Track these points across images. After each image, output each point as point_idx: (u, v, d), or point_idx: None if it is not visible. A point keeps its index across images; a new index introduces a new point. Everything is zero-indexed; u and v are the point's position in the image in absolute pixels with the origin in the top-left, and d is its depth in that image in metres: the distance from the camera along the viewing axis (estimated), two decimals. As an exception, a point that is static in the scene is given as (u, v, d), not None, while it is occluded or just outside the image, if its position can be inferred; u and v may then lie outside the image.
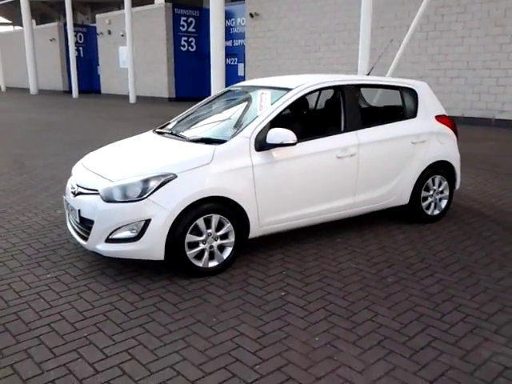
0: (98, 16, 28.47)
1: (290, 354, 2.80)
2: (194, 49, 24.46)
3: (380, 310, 3.32)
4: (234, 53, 21.83)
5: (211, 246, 3.83)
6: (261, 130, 3.97)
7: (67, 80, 31.44)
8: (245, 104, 4.74)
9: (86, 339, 2.95)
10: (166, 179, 3.63)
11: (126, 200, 3.61)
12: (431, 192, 5.09)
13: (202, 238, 3.76)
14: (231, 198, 3.80)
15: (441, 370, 2.65)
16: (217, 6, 13.50)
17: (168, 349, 2.85)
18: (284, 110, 4.20)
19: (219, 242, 3.86)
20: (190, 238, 3.70)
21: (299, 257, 4.26)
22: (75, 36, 32.29)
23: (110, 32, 26.92)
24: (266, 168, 3.99)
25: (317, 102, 4.79)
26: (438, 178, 5.09)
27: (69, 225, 4.22)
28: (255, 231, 4.07)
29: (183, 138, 4.30)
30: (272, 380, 2.57)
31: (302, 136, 4.32)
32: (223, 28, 13.77)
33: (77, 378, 2.58)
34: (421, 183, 4.95)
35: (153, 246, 3.61)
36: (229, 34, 21.82)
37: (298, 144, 4.11)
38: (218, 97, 5.18)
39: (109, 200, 3.64)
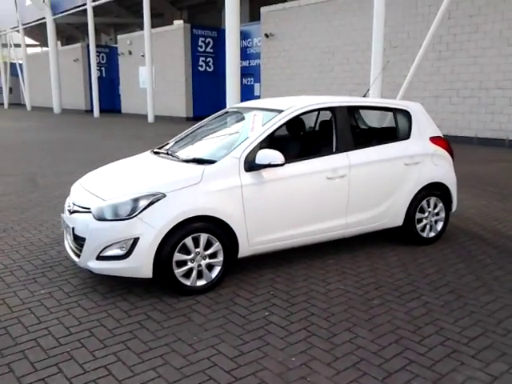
0: (119, 37, 29.25)
1: (264, 374, 2.84)
2: (211, 69, 24.88)
3: (360, 331, 3.34)
4: (251, 73, 22.13)
5: (199, 265, 3.90)
6: (250, 151, 4.07)
7: (89, 99, 32.22)
8: (239, 125, 4.86)
9: (68, 354, 3.04)
10: (154, 198, 3.74)
11: (117, 218, 3.72)
12: (426, 214, 5.09)
13: (190, 257, 3.84)
14: (219, 217, 3.89)
15: (412, 394, 2.65)
16: (232, 27, 13.89)
17: (145, 366, 2.92)
18: (275, 131, 4.30)
19: (208, 260, 3.93)
20: (178, 256, 3.78)
21: (289, 277, 4.30)
22: (98, 56, 33.20)
23: (130, 52, 27.60)
24: (255, 188, 4.07)
25: (309, 124, 4.86)
26: (433, 200, 5.10)
27: (65, 242, 4.35)
28: (245, 251, 4.13)
29: (177, 158, 4.41)
30: (242, 399, 2.61)
31: (293, 157, 4.42)
32: (238, 48, 14.10)
33: (53, 392, 2.66)
34: (415, 205, 4.96)
35: (141, 264, 3.70)
36: (245, 54, 22.20)
37: (288, 165, 4.21)
38: (215, 118, 5.30)
39: (100, 218, 3.76)
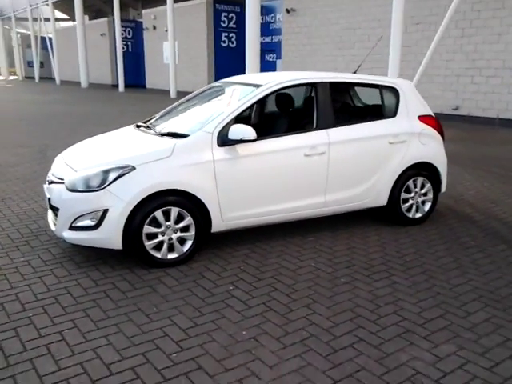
0: (144, 11, 29.26)
1: (210, 346, 2.89)
2: (234, 44, 24.68)
3: (319, 308, 3.34)
4: (273, 49, 21.84)
5: (170, 239, 3.95)
6: (224, 126, 4.05)
7: (115, 74, 32.41)
8: (219, 100, 4.83)
9: (29, 319, 3.15)
10: (124, 171, 3.79)
11: (87, 190, 3.80)
12: (412, 194, 5.00)
13: (160, 230, 3.90)
14: (189, 191, 3.92)
15: (351, 371, 2.66)
16: (252, 1, 13.72)
17: (99, 333, 3.01)
18: (250, 106, 4.28)
19: (179, 234, 3.98)
20: (147, 229, 3.84)
21: (264, 253, 4.31)
22: (124, 31, 33.26)
23: (154, 27, 27.59)
24: (228, 163, 4.07)
25: (291, 100, 4.79)
26: (420, 180, 4.99)
27: (48, 212, 4.46)
28: (218, 226, 4.16)
29: (155, 132, 4.44)
30: (182, 368, 2.67)
31: (270, 133, 4.39)
32: (258, 23, 14.07)
33: (4, 353, 2.77)
34: (400, 184, 4.87)
35: (111, 235, 3.78)
36: (268, 30, 21.90)
37: (263, 141, 4.21)
38: (200, 93, 5.28)
39: (72, 189, 3.84)
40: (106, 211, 3.75)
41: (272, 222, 4.49)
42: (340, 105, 5.12)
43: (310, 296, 3.53)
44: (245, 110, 4.23)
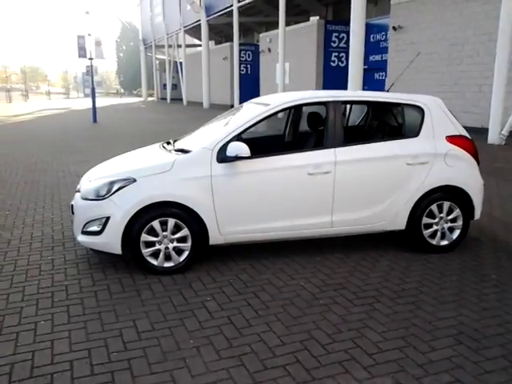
0: (261, 35, 30.45)
1: (152, 350, 3.05)
2: (343, 64, 24.55)
3: (276, 326, 3.33)
4: (382, 67, 21.36)
5: (167, 248, 4.20)
6: (224, 144, 4.22)
7: (237, 96, 34.11)
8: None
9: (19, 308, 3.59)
10: (125, 183, 4.14)
11: (95, 198, 4.21)
12: (436, 219, 4.66)
13: (157, 239, 4.16)
14: (186, 204, 4.13)
15: None
16: (357, 21, 14.05)
17: (62, 327, 3.33)
18: (253, 125, 4.37)
19: (175, 244, 4.21)
20: (145, 237, 4.13)
21: (262, 269, 4.35)
22: (244, 54, 35.04)
23: (269, 50, 28.55)
24: (226, 179, 4.22)
25: (303, 119, 4.77)
26: (446, 205, 4.64)
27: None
28: (216, 239, 4.31)
29: (169, 149, 4.73)
30: (110, 367, 2.87)
31: (274, 151, 4.46)
32: (362, 42, 14.69)
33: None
34: (422, 208, 4.58)
35: (111, 241, 4.14)
36: (378, 48, 21.51)
37: (263, 159, 4.30)
38: (229, 111, 5.48)
39: (84, 197, 4.28)
40: (108, 218, 4.12)
41: (275, 238, 4.52)
42: (354, 124, 4.98)
43: (277, 314, 3.51)
44: (247, 129, 4.35)
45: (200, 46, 51.41)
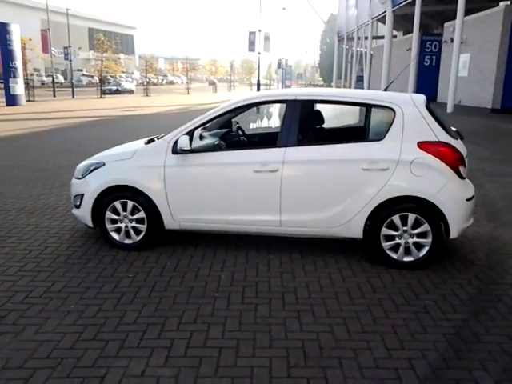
0: (445, 24, 28.18)
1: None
2: (532, 55, 21.32)
3: (143, 311, 3.57)
4: None
5: (126, 226, 4.72)
6: (179, 137, 4.53)
7: (416, 87, 32.42)
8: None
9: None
10: (98, 165, 4.79)
11: (78, 178, 4.95)
12: (399, 232, 4.21)
13: (118, 218, 4.72)
14: (140, 188, 4.58)
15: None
16: None
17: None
18: (209, 120, 4.57)
19: (134, 224, 4.71)
20: (109, 215, 4.73)
21: (209, 260, 4.50)
22: (430, 45, 32.96)
23: (452, 40, 26.27)
24: (178, 169, 4.54)
25: (267, 116, 4.67)
26: (411, 218, 4.14)
27: None
28: (171, 223, 4.67)
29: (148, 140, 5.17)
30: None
31: (229, 146, 4.60)
32: None
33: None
34: (381, 218, 4.20)
35: (85, 215, 4.84)
36: None
37: (214, 153, 4.53)
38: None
39: (75, 176, 5.05)
40: (83, 195, 4.81)
41: (227, 231, 4.66)
42: (313, 124, 4.70)
43: (167, 298, 3.74)
44: (201, 125, 4.57)
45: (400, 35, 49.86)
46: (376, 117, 4.33)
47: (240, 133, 5.44)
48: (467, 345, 3.10)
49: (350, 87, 50.18)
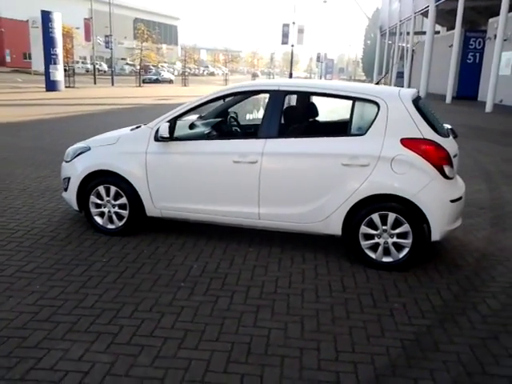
0: (490, 20, 27.09)
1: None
2: None
3: (104, 296, 3.57)
4: None
5: (109, 211, 4.74)
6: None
7: (457, 85, 31.41)
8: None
9: None
10: (84, 149, 4.82)
11: (66, 161, 5.00)
12: (378, 231, 4.04)
13: (102, 203, 4.74)
14: (122, 174, 4.58)
15: None
16: None
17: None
18: (192, 108, 4.51)
19: (116, 210, 4.72)
20: (92, 199, 4.76)
21: (187, 250, 4.45)
22: (474, 42, 31.82)
23: (495, 36, 25.22)
24: (159, 157, 4.51)
25: (253, 107, 4.55)
26: (391, 217, 3.97)
27: None
28: (152, 211, 4.66)
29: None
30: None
31: (211, 136, 4.54)
32: None
33: None
34: (360, 216, 4.05)
35: (71, 198, 4.88)
36: None
37: (194, 142, 4.48)
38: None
39: (64, 159, 5.10)
40: (69, 178, 4.86)
41: (207, 221, 4.60)
42: (296, 115, 4.55)
43: (129, 283, 3.73)
44: (184, 113, 4.51)
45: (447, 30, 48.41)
46: (360, 111, 4.16)
47: (234, 123, 5.36)
48: (423, 353, 2.94)
49: (390, 83, 49.06)
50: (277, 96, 4.29)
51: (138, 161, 4.55)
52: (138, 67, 42.01)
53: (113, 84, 36.59)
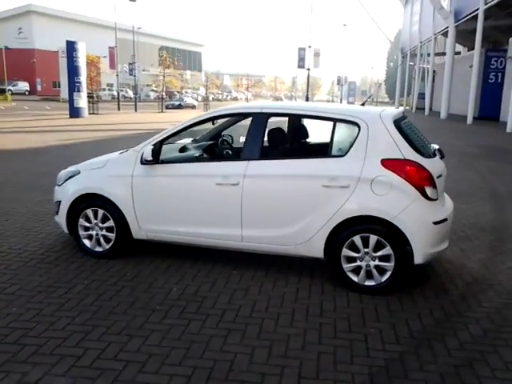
0: (510, 39, 26.79)
1: None
2: None
3: (77, 318, 3.58)
4: None
5: (97, 234, 4.78)
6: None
7: (478, 106, 31.04)
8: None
9: None
10: (74, 173, 4.90)
11: (58, 184, 5.08)
12: (360, 254, 3.96)
13: (90, 225, 4.79)
14: (109, 197, 4.63)
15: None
16: None
17: None
18: (177, 132, 4.55)
19: (104, 233, 4.75)
20: (81, 222, 4.81)
21: (170, 273, 4.43)
22: (495, 62, 31.49)
23: (516, 56, 24.97)
24: (145, 179, 4.55)
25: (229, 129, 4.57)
26: (373, 239, 3.88)
27: None
28: (138, 233, 4.67)
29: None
30: None
31: (196, 159, 4.57)
32: None
33: None
34: (342, 238, 3.98)
35: (62, 221, 4.94)
36: None
37: (179, 164, 4.51)
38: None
39: (56, 183, 5.19)
40: (60, 202, 4.93)
41: (192, 243, 4.59)
42: (279, 138, 4.53)
43: (104, 301, 3.73)
44: (169, 137, 4.55)
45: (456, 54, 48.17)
46: (341, 132, 4.14)
47: (225, 146, 5.38)
48: (389, 380, 2.82)
49: (411, 105, 48.77)
50: (259, 118, 4.30)
51: (125, 184, 4.59)
52: (162, 93, 42.94)
53: (136, 110, 37.37)
